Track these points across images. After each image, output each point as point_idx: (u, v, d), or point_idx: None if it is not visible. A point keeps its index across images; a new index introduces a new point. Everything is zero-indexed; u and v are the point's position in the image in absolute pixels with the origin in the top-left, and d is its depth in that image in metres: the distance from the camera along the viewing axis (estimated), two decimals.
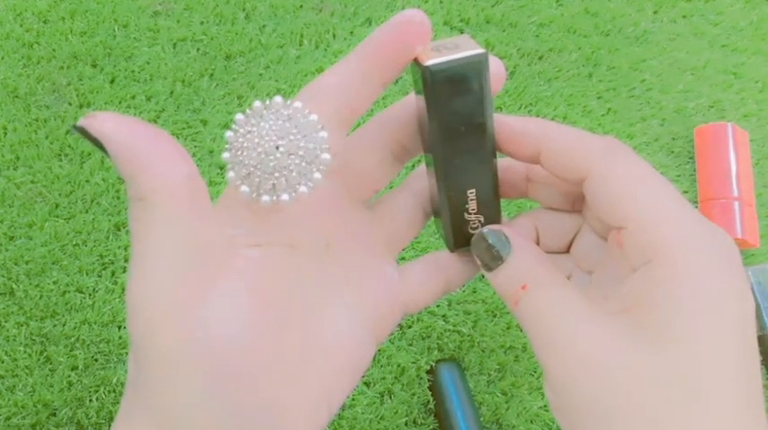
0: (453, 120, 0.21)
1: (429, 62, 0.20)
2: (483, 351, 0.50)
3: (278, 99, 0.20)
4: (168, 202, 0.19)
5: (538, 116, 0.60)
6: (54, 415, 0.46)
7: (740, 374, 0.19)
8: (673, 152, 0.61)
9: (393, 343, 0.50)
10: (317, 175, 0.20)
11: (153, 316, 0.19)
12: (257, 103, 0.20)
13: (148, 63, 0.58)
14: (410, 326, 0.51)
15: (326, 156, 0.20)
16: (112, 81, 0.57)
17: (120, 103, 0.56)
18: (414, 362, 0.50)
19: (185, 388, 0.18)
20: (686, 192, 0.60)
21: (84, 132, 0.18)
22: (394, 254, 0.25)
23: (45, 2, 0.59)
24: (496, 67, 0.22)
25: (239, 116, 0.20)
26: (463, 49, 0.21)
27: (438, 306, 0.52)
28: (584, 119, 0.61)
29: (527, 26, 0.64)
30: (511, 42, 0.63)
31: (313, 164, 0.20)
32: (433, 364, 0.50)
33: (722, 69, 0.65)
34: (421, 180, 0.25)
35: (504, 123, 0.23)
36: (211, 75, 0.58)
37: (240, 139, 0.20)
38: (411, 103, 0.23)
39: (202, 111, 0.57)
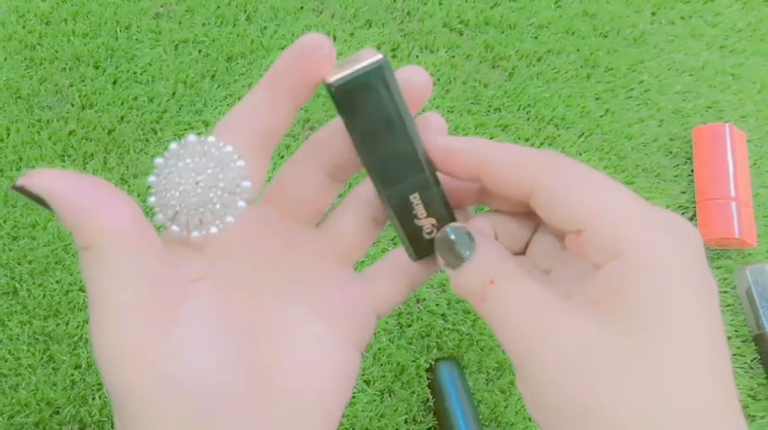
0: (371, 130, 0.22)
1: (331, 79, 0.21)
2: (482, 349, 0.51)
3: (191, 137, 0.21)
4: (115, 248, 0.19)
5: (537, 117, 0.61)
6: (57, 413, 0.47)
7: (711, 349, 0.19)
8: (671, 153, 0.61)
9: (393, 341, 0.51)
10: (242, 204, 0.21)
11: (123, 368, 0.18)
12: (173, 145, 0.21)
13: (150, 64, 0.58)
14: (410, 325, 0.51)
15: (247, 183, 0.21)
16: (114, 82, 0.57)
17: (122, 104, 0.56)
18: (413, 361, 0.50)
19: None
20: (684, 192, 0.60)
21: (23, 191, 0.18)
22: (350, 264, 0.25)
23: (47, 4, 0.59)
24: (418, 76, 0.22)
25: (158, 160, 0.21)
26: (363, 59, 0.21)
27: (437, 305, 0.52)
28: (582, 120, 0.61)
29: (526, 28, 0.64)
30: (509, 44, 0.63)
31: (235, 193, 0.21)
32: (433, 363, 0.50)
33: (720, 70, 0.65)
34: (369, 190, 0.25)
35: (440, 145, 0.23)
36: (213, 76, 0.58)
37: (163, 181, 0.21)
38: (339, 122, 0.24)
39: (204, 112, 0.57)
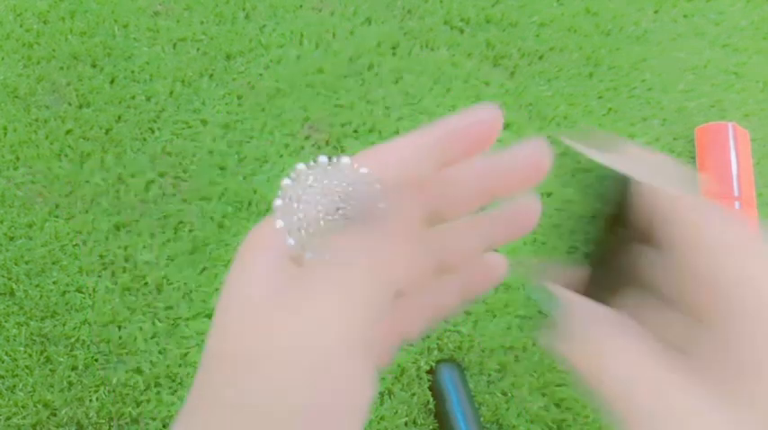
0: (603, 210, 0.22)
1: (609, 165, 0.21)
2: (483, 351, 0.50)
3: (345, 159, 0.20)
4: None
5: (539, 116, 0.60)
6: (54, 414, 0.46)
7: None
8: (674, 152, 0.61)
9: None
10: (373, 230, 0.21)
11: (250, 315, 0.19)
12: (323, 158, 0.20)
13: (148, 63, 0.58)
14: None
15: (383, 205, 0.20)
16: (112, 81, 0.57)
17: (119, 103, 0.56)
18: (414, 363, 0.50)
19: (269, 384, 0.19)
20: None
21: None
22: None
23: (45, 2, 0.59)
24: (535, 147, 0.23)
25: (301, 166, 0.20)
26: (616, 151, 0.21)
27: None
28: (585, 118, 0.61)
29: (527, 26, 0.64)
30: (511, 42, 0.63)
31: (368, 219, 0.20)
32: (434, 364, 0.49)
33: (723, 69, 0.64)
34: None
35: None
36: (211, 75, 0.58)
37: (299, 191, 0.20)
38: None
39: (202, 110, 0.57)
